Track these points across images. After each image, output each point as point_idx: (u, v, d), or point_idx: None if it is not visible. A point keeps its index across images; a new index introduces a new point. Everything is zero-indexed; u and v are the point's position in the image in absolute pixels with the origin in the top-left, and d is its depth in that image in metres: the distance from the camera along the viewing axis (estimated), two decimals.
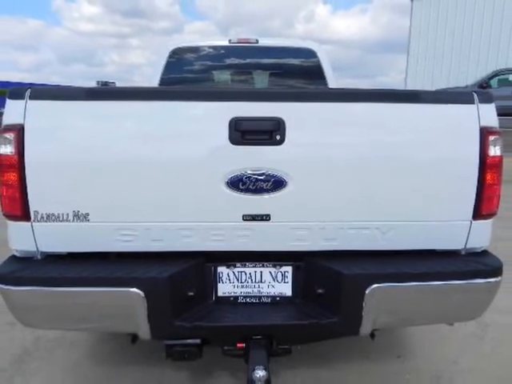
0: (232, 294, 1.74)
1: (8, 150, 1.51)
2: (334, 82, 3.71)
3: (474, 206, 1.64)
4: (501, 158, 1.63)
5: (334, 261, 1.65)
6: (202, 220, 1.60)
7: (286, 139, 1.54)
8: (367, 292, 1.57)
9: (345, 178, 1.59)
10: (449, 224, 1.66)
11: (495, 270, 1.65)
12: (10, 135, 1.50)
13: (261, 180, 1.55)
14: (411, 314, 1.74)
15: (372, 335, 1.85)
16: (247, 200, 1.57)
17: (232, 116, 1.53)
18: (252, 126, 1.54)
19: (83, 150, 1.53)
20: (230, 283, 1.73)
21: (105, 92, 1.62)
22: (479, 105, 1.60)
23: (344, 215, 1.63)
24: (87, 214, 1.56)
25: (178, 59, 3.77)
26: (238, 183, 1.55)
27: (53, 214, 1.56)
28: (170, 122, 1.57)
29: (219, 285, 1.73)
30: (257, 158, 1.55)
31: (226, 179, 1.55)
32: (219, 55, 3.85)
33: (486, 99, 1.62)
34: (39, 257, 1.63)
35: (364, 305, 1.58)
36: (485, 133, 1.59)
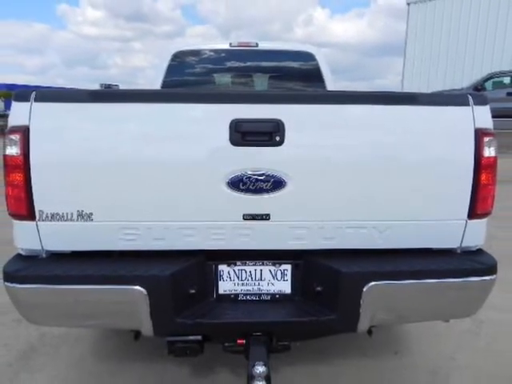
0: (232, 292, 1.74)
1: (14, 150, 1.51)
2: (332, 84, 3.71)
3: (470, 205, 1.64)
4: (495, 158, 1.63)
5: (332, 259, 1.65)
6: (204, 219, 1.60)
7: (286, 140, 1.54)
8: (365, 290, 1.57)
9: (343, 179, 1.59)
10: (445, 223, 1.66)
11: (490, 268, 1.65)
12: (16, 136, 1.50)
13: (261, 180, 1.55)
14: (408, 311, 1.74)
15: (369, 332, 1.85)
16: (247, 200, 1.57)
17: (232, 118, 1.53)
18: (252, 127, 1.53)
19: (87, 150, 1.53)
20: (230, 281, 1.73)
21: (108, 94, 1.62)
22: (474, 107, 1.60)
23: (342, 215, 1.63)
24: (91, 214, 1.56)
25: (179, 62, 3.77)
26: (239, 183, 1.55)
27: (57, 214, 1.55)
28: (172, 124, 1.57)
29: (220, 283, 1.73)
30: (257, 159, 1.55)
31: (226, 179, 1.55)
32: (220, 58, 3.86)
33: (481, 101, 1.61)
34: (44, 255, 1.63)
35: (362, 302, 1.58)
36: (479, 134, 1.59)
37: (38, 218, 1.55)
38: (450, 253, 1.72)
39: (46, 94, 1.55)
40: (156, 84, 3.66)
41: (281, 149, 1.54)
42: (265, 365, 1.55)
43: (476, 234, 1.70)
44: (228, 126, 1.53)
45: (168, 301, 1.57)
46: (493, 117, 1.64)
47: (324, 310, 1.64)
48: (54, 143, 1.52)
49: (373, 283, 1.56)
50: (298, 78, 3.81)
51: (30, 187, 1.52)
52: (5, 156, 1.53)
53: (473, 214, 1.65)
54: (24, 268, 1.57)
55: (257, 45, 3.74)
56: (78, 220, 1.56)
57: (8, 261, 1.63)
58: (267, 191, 1.56)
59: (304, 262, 1.72)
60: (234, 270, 1.73)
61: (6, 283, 1.56)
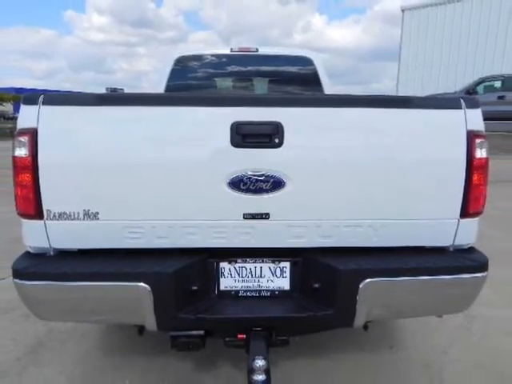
0: (233, 288, 1.74)
1: (22, 152, 1.51)
2: (329, 88, 3.72)
3: (462, 205, 1.64)
4: (487, 159, 1.63)
5: (329, 257, 1.65)
6: (205, 218, 1.60)
7: (285, 142, 1.54)
8: (361, 286, 1.57)
9: (340, 179, 1.59)
10: (438, 222, 1.66)
11: (481, 266, 1.65)
12: (25, 138, 1.51)
13: (261, 181, 1.56)
14: (402, 307, 1.74)
15: (365, 327, 1.85)
16: (248, 199, 1.57)
17: (233, 120, 1.53)
18: (252, 129, 1.54)
19: (93, 152, 1.53)
20: (231, 278, 1.74)
21: (113, 98, 1.62)
22: (466, 110, 1.60)
23: (339, 214, 1.63)
24: (97, 213, 1.56)
25: (182, 67, 3.78)
26: (239, 183, 1.55)
27: (64, 213, 1.56)
28: (175, 126, 1.57)
29: (221, 279, 1.73)
30: (257, 160, 1.55)
31: (227, 180, 1.55)
32: (221, 63, 3.86)
33: (473, 105, 1.62)
34: (52, 253, 1.63)
35: (358, 298, 1.59)
36: (471, 136, 1.59)
37: (45, 217, 1.56)
38: (443, 251, 1.72)
39: (54, 98, 1.55)
40: (159, 88, 3.66)
41: (280, 150, 1.55)
42: (264, 359, 1.55)
43: (468, 233, 1.71)
44: (229, 129, 1.53)
45: (171, 297, 1.58)
46: (484, 119, 1.64)
47: (321, 306, 1.65)
48: (62, 145, 1.53)
49: (369, 280, 1.57)
50: (297, 82, 3.82)
51: (38, 187, 1.53)
52: (14, 157, 1.54)
53: (465, 213, 1.65)
54: (32, 265, 1.57)
55: (257, 50, 3.75)
56: (84, 219, 1.56)
57: (17, 258, 1.64)
58: (267, 191, 1.57)
59: (302, 260, 1.72)
60: (234, 268, 1.73)
61: (15, 280, 1.56)
